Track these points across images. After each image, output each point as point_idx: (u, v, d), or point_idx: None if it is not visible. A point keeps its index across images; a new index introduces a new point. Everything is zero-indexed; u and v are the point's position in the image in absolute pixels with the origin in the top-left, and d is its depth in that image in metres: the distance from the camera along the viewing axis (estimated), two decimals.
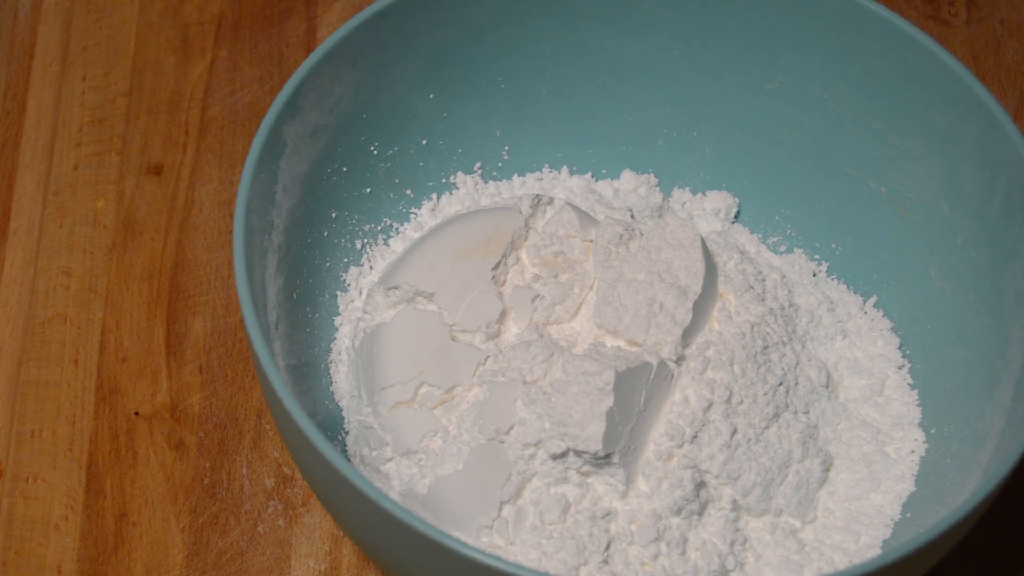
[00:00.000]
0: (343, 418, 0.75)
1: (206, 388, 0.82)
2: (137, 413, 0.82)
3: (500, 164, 0.84)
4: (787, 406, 0.73)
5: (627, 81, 0.81)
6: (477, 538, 0.68)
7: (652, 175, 0.84)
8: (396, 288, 0.73)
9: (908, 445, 0.75)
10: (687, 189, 0.85)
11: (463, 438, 0.69)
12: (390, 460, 0.71)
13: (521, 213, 0.75)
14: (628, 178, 0.84)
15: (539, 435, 0.68)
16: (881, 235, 0.79)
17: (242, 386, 0.82)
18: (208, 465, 0.80)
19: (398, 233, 0.81)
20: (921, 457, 0.74)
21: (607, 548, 0.68)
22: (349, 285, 0.79)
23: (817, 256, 0.83)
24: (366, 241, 0.80)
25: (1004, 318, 0.71)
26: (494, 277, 0.73)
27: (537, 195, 0.76)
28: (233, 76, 0.94)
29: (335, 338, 0.78)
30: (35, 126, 0.92)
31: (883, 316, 0.80)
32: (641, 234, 0.75)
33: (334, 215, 0.78)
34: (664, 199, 0.84)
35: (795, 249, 0.83)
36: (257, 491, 0.79)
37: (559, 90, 0.82)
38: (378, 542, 0.64)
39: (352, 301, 0.79)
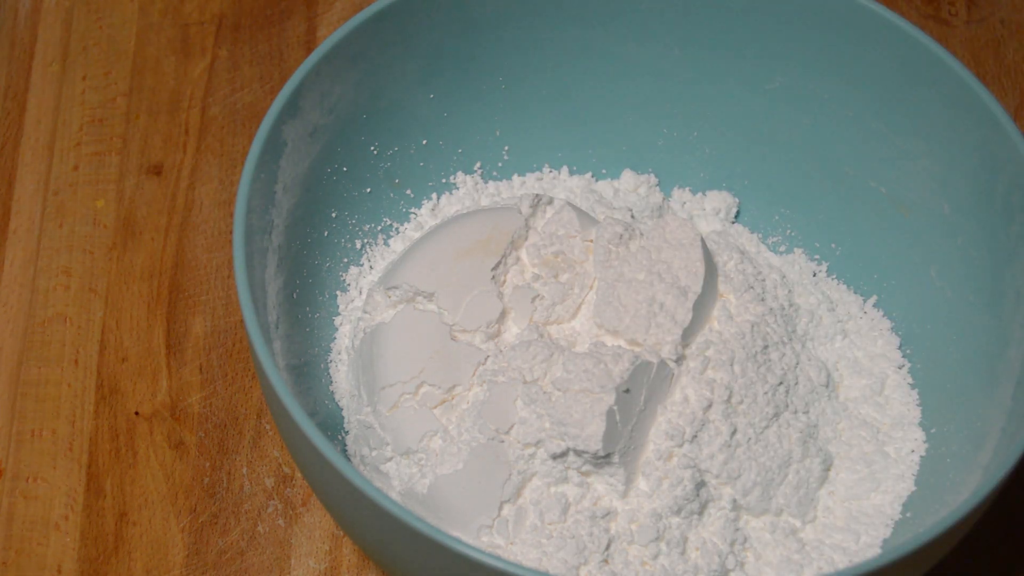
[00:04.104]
0: (343, 418, 0.75)
1: (206, 388, 0.82)
2: (137, 413, 0.82)
3: (500, 164, 0.84)
4: (787, 406, 0.73)
5: (627, 81, 0.81)
6: (477, 537, 0.68)
7: (652, 175, 0.84)
8: (396, 288, 0.73)
9: (908, 445, 0.75)
10: (687, 189, 0.85)
11: (463, 438, 0.69)
12: (390, 460, 0.71)
13: (521, 213, 0.75)
14: (628, 178, 0.84)
15: (539, 435, 0.68)
16: (881, 235, 0.79)
17: (242, 386, 0.82)
18: (208, 465, 0.80)
19: (398, 233, 0.81)
20: (921, 457, 0.74)
21: (607, 548, 0.68)
22: (349, 285, 0.79)
23: (817, 256, 0.83)
24: (366, 241, 0.80)
25: (1004, 318, 0.71)
26: (494, 277, 0.73)
27: (537, 195, 0.76)
28: (233, 76, 0.94)
29: (335, 338, 0.78)
30: (35, 126, 0.92)
31: (883, 316, 0.80)
32: (641, 234, 0.75)
33: (334, 215, 0.78)
34: (664, 199, 0.84)
35: (795, 249, 0.83)
36: (257, 491, 0.79)
37: (559, 90, 0.82)
38: (378, 542, 0.64)
39: (352, 301, 0.79)
